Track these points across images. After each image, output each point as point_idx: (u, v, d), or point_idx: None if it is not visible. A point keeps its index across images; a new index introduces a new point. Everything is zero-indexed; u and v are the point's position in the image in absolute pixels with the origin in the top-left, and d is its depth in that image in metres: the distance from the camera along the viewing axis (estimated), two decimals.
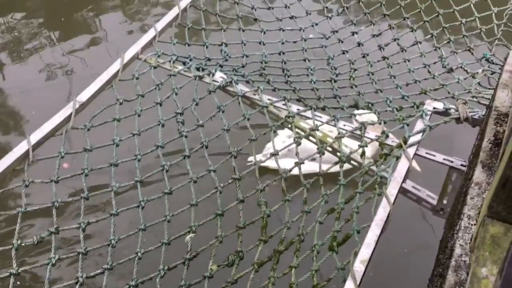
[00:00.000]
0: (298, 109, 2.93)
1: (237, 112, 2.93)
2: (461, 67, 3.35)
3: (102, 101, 2.87)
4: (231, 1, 3.60)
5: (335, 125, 2.86)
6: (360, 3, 3.71)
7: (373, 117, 3.02)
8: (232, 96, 2.99)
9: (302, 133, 2.87)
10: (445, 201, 2.86)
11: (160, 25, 3.17)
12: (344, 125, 2.88)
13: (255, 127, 2.86)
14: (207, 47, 3.29)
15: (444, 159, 2.74)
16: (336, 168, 2.72)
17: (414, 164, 2.66)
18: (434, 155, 2.75)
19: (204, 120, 2.83)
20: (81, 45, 6.09)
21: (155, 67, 3.02)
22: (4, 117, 5.43)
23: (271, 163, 2.80)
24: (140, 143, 2.76)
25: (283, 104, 2.95)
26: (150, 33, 3.13)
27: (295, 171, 2.66)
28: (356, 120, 2.90)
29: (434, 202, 2.90)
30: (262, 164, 2.79)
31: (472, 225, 1.79)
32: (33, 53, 6.08)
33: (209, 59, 3.23)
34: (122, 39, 5.99)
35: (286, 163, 2.74)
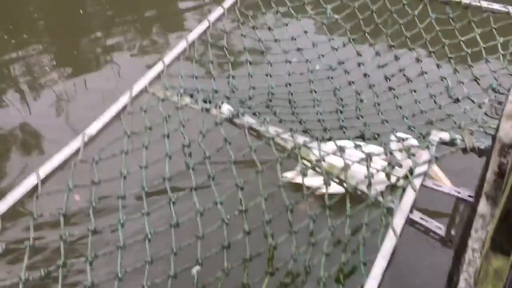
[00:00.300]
0: (304, 141, 2.95)
1: (244, 142, 2.95)
2: (468, 97, 3.36)
3: (110, 132, 2.92)
4: (238, 36, 3.65)
5: (341, 156, 2.87)
6: (366, 34, 3.75)
7: (413, 141, 3.03)
8: (238, 128, 3.02)
9: (309, 164, 2.90)
10: (453, 233, 2.84)
11: (168, 58, 3.22)
12: (351, 156, 2.88)
13: None
14: (214, 80, 3.34)
15: (451, 190, 2.73)
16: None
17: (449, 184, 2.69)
18: (440, 186, 2.74)
19: (211, 152, 2.86)
20: (91, 73, 6.17)
21: (163, 100, 3.07)
22: (17, 146, 5.49)
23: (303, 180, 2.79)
24: (146, 172, 2.79)
25: (289, 136, 2.97)
26: (158, 66, 3.18)
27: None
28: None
29: (443, 233, 2.88)
30: (296, 181, 2.79)
31: (476, 258, 1.78)
32: (42, 82, 6.17)
33: (216, 91, 3.28)
34: (132, 67, 6.08)
35: (319, 181, 2.74)
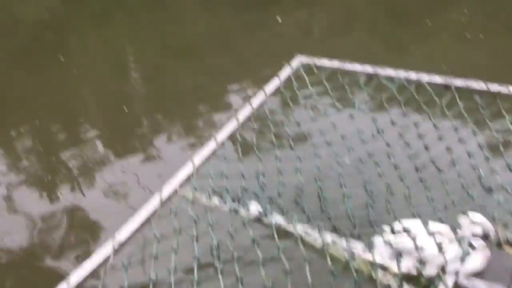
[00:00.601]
0: (332, 238, 2.94)
1: (272, 240, 2.96)
2: (501, 186, 3.30)
3: (139, 234, 2.97)
4: (268, 132, 3.74)
5: (369, 252, 2.84)
6: (393, 123, 3.77)
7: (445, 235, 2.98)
8: (266, 227, 3.04)
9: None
10: None
11: (198, 159, 3.30)
12: (379, 252, 2.85)
13: None
14: (244, 178, 3.40)
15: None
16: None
17: None
18: (476, 284, 2.66)
19: (239, 252, 2.88)
20: (138, 162, 6.29)
21: (192, 202, 3.13)
22: (59, 237, 5.60)
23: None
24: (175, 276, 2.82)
25: (317, 234, 2.97)
26: (188, 168, 3.26)
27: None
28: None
29: None
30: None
31: None
32: (93, 168, 6.33)
33: (245, 190, 3.32)
34: (177, 152, 6.20)
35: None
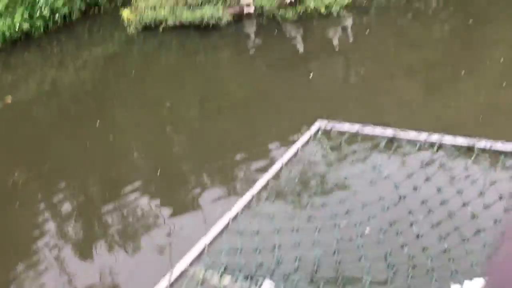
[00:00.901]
0: None
1: None
2: None
3: None
4: (284, 203, 3.67)
5: None
6: (415, 189, 3.64)
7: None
8: None
9: None
10: None
11: (209, 236, 3.25)
12: None
13: None
14: (259, 252, 3.31)
15: None
16: None
17: None
18: None
19: None
20: (175, 215, 6.27)
21: (201, 283, 3.06)
22: None
23: None
24: None
25: None
26: (200, 245, 3.20)
27: None
28: None
29: None
30: None
31: None
32: (135, 230, 6.33)
33: (261, 264, 3.23)
34: (214, 209, 6.16)
35: None
